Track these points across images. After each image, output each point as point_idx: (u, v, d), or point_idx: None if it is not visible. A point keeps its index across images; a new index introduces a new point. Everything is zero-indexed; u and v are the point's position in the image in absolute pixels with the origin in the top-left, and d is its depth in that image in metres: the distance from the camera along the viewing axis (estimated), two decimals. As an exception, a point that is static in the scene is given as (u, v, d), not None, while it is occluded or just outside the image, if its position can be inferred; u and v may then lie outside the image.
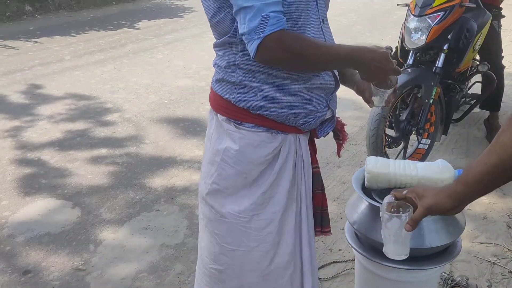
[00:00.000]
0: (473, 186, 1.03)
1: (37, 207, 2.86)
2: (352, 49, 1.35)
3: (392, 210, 1.15)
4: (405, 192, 1.15)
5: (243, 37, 1.27)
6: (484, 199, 2.87)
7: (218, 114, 1.47)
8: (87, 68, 5.44)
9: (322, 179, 1.61)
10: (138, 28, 7.43)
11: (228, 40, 1.37)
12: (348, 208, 1.78)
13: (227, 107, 1.44)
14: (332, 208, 2.78)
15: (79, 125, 3.99)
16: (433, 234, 1.55)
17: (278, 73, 1.37)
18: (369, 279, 1.79)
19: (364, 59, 1.35)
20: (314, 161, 1.57)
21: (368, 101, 1.53)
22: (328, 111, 1.50)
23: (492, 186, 1.03)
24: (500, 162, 0.98)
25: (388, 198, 1.18)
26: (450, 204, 1.06)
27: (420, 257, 1.57)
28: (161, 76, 5.21)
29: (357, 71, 1.45)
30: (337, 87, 1.51)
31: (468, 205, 3.07)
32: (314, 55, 1.30)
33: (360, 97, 1.57)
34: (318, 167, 1.60)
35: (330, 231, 1.66)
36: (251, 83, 1.38)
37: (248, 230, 1.46)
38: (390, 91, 1.45)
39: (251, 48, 1.25)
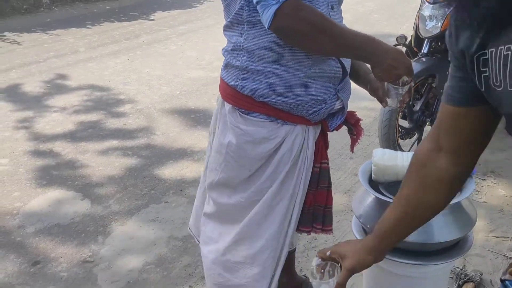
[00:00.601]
0: (387, 240, 1.11)
1: (47, 198, 2.87)
2: (367, 37, 1.31)
3: (322, 271, 1.15)
4: (328, 253, 1.15)
5: (258, 6, 1.23)
6: (501, 191, 2.79)
7: (225, 103, 1.46)
8: (101, 60, 5.45)
9: (334, 171, 1.59)
10: (152, 19, 7.42)
11: (234, 19, 1.35)
12: (355, 201, 1.73)
13: (233, 94, 1.42)
14: (343, 201, 2.73)
15: (91, 117, 4.00)
16: (442, 229, 1.49)
17: (282, 56, 1.33)
18: (377, 274, 1.74)
19: (378, 51, 1.30)
20: (324, 156, 1.53)
21: (382, 100, 1.48)
22: (338, 101, 1.45)
23: (404, 235, 1.12)
24: (405, 214, 1.06)
25: (316, 261, 1.17)
26: (372, 259, 1.12)
27: (428, 252, 1.52)
28: (174, 67, 5.19)
29: (370, 69, 1.40)
30: (345, 75, 1.46)
31: (484, 198, 2.95)
32: (329, 31, 1.25)
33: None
34: (327, 163, 1.55)
35: (331, 229, 1.62)
36: (254, 67, 1.35)
37: (248, 211, 1.49)
38: (405, 88, 1.39)
39: (267, 15, 1.21)
